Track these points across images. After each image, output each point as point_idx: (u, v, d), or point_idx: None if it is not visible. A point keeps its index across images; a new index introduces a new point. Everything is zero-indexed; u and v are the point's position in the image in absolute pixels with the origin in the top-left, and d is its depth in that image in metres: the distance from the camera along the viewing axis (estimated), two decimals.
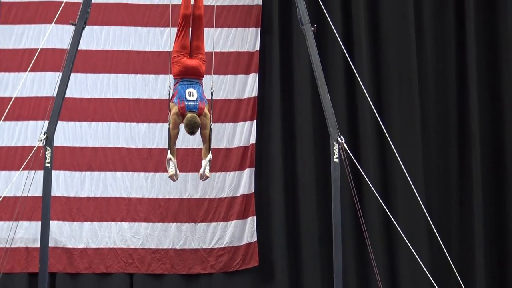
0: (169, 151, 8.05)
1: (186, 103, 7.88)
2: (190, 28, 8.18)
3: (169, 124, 7.99)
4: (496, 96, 11.05)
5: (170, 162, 8.02)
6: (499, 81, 11.05)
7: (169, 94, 8.13)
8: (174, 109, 7.94)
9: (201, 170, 8.06)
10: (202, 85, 8.07)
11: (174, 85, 8.07)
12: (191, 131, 7.88)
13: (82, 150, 10.77)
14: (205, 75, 8.21)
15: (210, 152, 8.09)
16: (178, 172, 8.07)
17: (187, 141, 10.55)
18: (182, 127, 8.00)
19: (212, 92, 8.30)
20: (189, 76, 8.01)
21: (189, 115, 7.85)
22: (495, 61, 11.08)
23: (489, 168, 10.92)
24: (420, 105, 11.02)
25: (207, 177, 8.12)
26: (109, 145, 10.81)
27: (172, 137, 8.01)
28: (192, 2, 8.19)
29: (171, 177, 8.06)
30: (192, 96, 7.89)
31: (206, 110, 7.98)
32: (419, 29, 11.13)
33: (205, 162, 8.04)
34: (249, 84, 10.97)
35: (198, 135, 8.13)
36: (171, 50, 8.23)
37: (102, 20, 10.92)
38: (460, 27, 11.17)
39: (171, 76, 8.17)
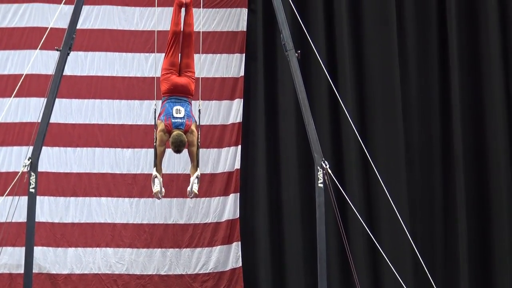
0: (154, 169, 7.98)
1: (172, 120, 7.82)
2: (180, 46, 8.15)
3: (155, 141, 7.92)
4: (479, 121, 11.11)
5: (156, 179, 7.96)
6: (482, 105, 11.11)
7: (155, 112, 8.08)
8: (161, 126, 7.87)
9: (189, 188, 7.99)
10: (191, 103, 8.01)
11: (162, 102, 8.01)
12: (176, 149, 7.81)
13: (66, 176, 10.74)
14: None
15: (198, 169, 8.02)
16: (163, 190, 8.00)
17: (172, 166, 10.58)
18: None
19: (199, 110, 8.23)
20: (177, 94, 7.95)
21: (175, 132, 7.79)
22: (478, 86, 11.15)
23: (473, 192, 10.96)
24: (404, 130, 11.07)
25: (195, 194, 8.04)
26: (94, 171, 10.80)
27: (158, 155, 7.93)
28: (182, 20, 8.16)
29: (155, 194, 7.98)
30: (179, 113, 7.84)
31: (193, 127, 7.93)
32: (402, 55, 11.20)
33: (192, 178, 7.97)
34: (233, 110, 11.00)
35: (184, 155, 8.11)
36: (156, 76, 8.23)
37: (87, 45, 10.94)
38: (443, 53, 11.25)
39: (159, 99, 8.16)
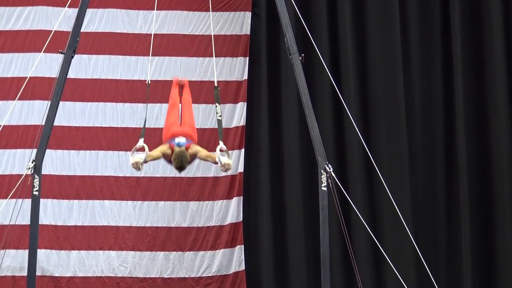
0: (142, 139, 7.76)
1: (175, 142, 7.75)
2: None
3: (160, 149, 7.81)
4: (483, 126, 11.09)
5: (139, 153, 7.67)
6: (486, 110, 11.10)
7: (145, 120, 8.14)
8: (166, 145, 7.83)
9: (219, 163, 7.72)
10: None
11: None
12: (179, 165, 7.67)
13: (70, 179, 10.75)
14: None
15: (218, 148, 7.80)
16: (143, 164, 7.66)
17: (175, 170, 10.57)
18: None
19: (219, 120, 8.30)
20: (179, 135, 7.89)
21: (177, 149, 7.71)
22: (481, 89, 11.13)
23: (477, 195, 10.94)
24: (408, 134, 11.07)
25: (227, 165, 7.72)
26: (97, 174, 10.80)
27: (156, 155, 7.79)
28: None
29: (136, 164, 7.60)
30: (181, 140, 7.79)
31: (196, 147, 7.84)
32: (406, 58, 11.20)
33: (217, 153, 7.74)
34: (237, 113, 11.01)
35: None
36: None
37: (91, 49, 10.95)
38: (446, 56, 11.25)
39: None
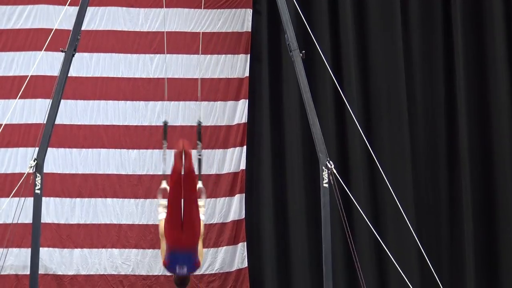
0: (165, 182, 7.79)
1: (176, 269, 7.48)
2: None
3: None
4: (485, 123, 11.09)
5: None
6: (487, 106, 11.10)
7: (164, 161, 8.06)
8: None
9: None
10: (196, 251, 7.54)
11: (166, 250, 7.54)
12: (181, 286, 7.60)
13: (72, 177, 10.75)
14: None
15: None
16: None
17: None
18: None
19: (199, 159, 8.22)
20: (179, 250, 7.46)
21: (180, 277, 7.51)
22: (484, 87, 11.13)
23: (479, 192, 10.93)
24: (410, 130, 11.06)
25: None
26: (99, 172, 10.80)
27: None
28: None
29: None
30: (183, 270, 7.47)
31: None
32: (407, 54, 11.20)
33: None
34: (238, 110, 11.00)
35: None
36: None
37: (92, 47, 10.95)
38: (448, 54, 11.24)
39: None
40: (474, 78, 11.14)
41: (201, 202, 7.68)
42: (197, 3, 11.08)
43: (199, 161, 8.35)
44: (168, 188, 7.56)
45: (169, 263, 7.51)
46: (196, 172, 7.87)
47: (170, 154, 7.39)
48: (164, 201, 7.62)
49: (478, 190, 10.93)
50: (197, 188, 7.57)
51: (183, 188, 7.32)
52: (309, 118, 8.16)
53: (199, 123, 8.68)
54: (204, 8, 11.01)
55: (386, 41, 11.17)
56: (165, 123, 8.51)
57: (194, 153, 7.57)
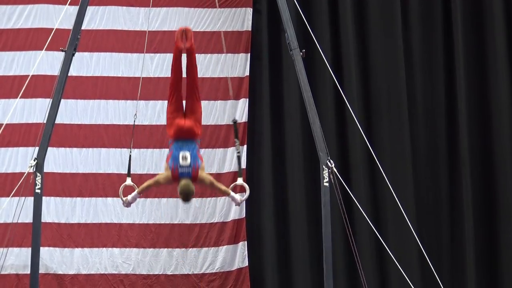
0: (129, 178, 8.12)
1: (179, 171, 7.48)
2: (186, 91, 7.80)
3: (158, 178, 7.79)
4: (486, 123, 11.08)
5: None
6: (488, 106, 11.09)
7: (129, 158, 8.31)
8: (168, 172, 7.60)
9: (233, 200, 8.08)
10: (198, 144, 7.70)
11: (169, 145, 7.70)
12: (186, 198, 7.54)
13: (72, 176, 10.75)
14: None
15: (230, 189, 8.05)
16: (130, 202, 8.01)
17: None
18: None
19: (238, 156, 8.53)
20: (183, 137, 7.60)
21: (183, 182, 7.46)
22: (484, 87, 11.13)
23: (480, 193, 10.93)
24: (410, 130, 11.06)
25: (239, 202, 8.20)
26: (100, 171, 10.81)
27: (152, 183, 7.83)
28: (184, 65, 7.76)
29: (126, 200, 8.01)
30: (186, 160, 7.47)
31: (202, 175, 7.63)
32: (408, 53, 11.20)
33: (231, 196, 8.00)
34: (239, 109, 11.00)
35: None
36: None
37: (92, 46, 10.95)
38: (448, 53, 11.24)
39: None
40: (475, 77, 11.13)
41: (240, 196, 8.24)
42: (197, 2, 11.09)
43: (238, 158, 8.52)
44: (134, 185, 7.95)
45: (172, 156, 7.55)
46: (236, 170, 9.19)
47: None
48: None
49: (479, 189, 10.93)
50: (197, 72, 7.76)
51: (186, 68, 7.59)
52: (309, 117, 8.16)
53: (235, 121, 8.74)
54: (204, 7, 11.03)
55: (386, 41, 11.17)
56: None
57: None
